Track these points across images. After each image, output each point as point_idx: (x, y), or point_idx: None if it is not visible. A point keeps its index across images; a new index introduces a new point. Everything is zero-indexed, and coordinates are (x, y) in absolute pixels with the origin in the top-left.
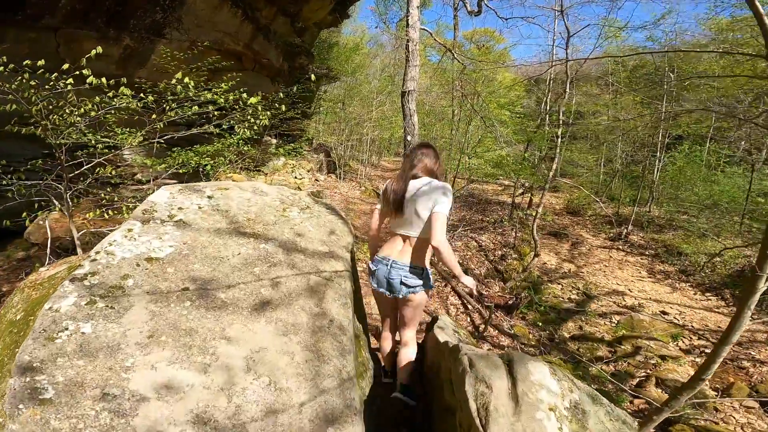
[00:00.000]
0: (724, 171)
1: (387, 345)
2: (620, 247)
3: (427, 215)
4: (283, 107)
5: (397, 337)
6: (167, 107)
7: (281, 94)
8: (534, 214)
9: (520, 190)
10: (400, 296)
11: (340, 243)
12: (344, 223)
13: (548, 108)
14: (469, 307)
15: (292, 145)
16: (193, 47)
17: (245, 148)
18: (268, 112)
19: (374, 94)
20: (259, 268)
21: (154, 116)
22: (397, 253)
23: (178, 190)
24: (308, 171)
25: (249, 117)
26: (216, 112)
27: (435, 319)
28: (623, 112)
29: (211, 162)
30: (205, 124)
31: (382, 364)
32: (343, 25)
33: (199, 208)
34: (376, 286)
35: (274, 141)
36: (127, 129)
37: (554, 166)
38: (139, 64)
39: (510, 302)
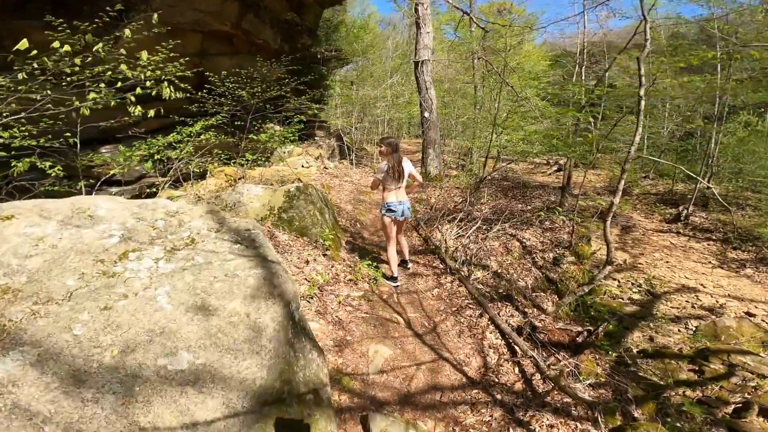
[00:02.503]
0: None
1: (395, 254)
2: (680, 230)
3: (409, 173)
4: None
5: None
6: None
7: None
8: (602, 204)
9: (554, 168)
10: (404, 217)
11: (276, 336)
12: (271, 273)
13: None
14: (518, 350)
15: (281, 129)
16: (169, 30)
17: (221, 137)
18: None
19: (388, 73)
20: None
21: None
22: (402, 196)
23: None
24: (316, 158)
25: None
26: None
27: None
28: (665, 83)
29: (179, 153)
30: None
31: (394, 271)
32: (349, 5)
33: None
34: (396, 216)
35: (277, 128)
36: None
37: (636, 138)
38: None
39: (577, 337)
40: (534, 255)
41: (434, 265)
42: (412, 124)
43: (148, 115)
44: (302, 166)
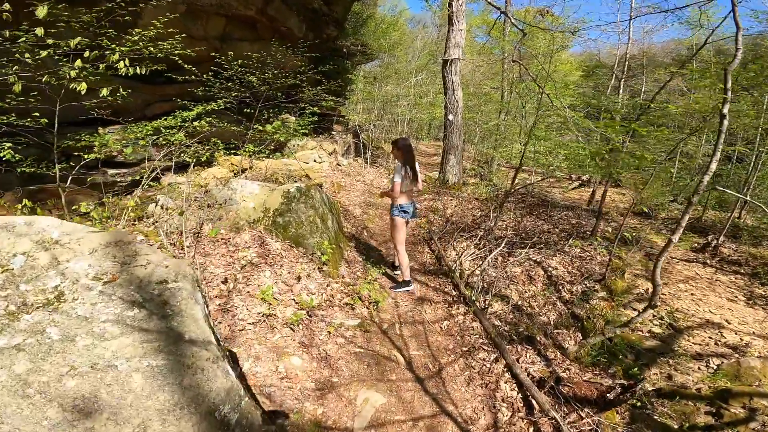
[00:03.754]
0: None
1: (406, 257)
2: (708, 261)
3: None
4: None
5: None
6: None
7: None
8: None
9: (575, 184)
10: (413, 219)
11: None
12: (183, 365)
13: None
14: (536, 405)
15: (294, 121)
16: (192, 12)
17: (224, 125)
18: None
19: (413, 71)
20: None
21: None
22: (412, 197)
23: None
24: (330, 154)
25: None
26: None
27: None
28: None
29: (169, 137)
30: None
31: (406, 275)
32: (380, 0)
33: None
34: (408, 218)
35: (292, 119)
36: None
37: (713, 165)
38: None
39: (608, 393)
40: (560, 287)
41: (446, 290)
42: (433, 126)
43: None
44: (315, 161)
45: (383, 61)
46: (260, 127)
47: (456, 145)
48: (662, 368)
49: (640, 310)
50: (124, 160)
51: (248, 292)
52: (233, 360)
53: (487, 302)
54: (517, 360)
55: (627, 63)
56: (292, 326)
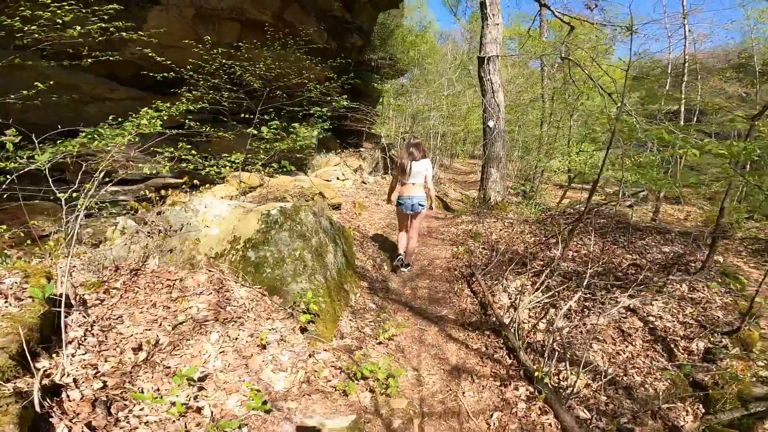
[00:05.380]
0: None
1: (403, 240)
2: None
3: (424, 174)
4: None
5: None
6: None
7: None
8: None
9: (629, 201)
10: (414, 212)
11: None
12: None
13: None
14: None
15: (307, 130)
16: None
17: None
18: None
19: (444, 83)
20: None
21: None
22: (414, 192)
23: None
24: (355, 170)
25: None
26: None
27: None
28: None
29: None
30: None
31: (400, 250)
32: (408, 12)
33: None
34: (402, 209)
35: (304, 129)
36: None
37: None
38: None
39: None
40: (670, 342)
41: (496, 355)
42: (468, 141)
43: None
44: (338, 178)
45: (413, 73)
46: (254, 132)
47: (498, 156)
48: None
49: None
50: (126, 176)
51: (168, 368)
52: None
53: (563, 377)
54: None
55: (686, 63)
56: None
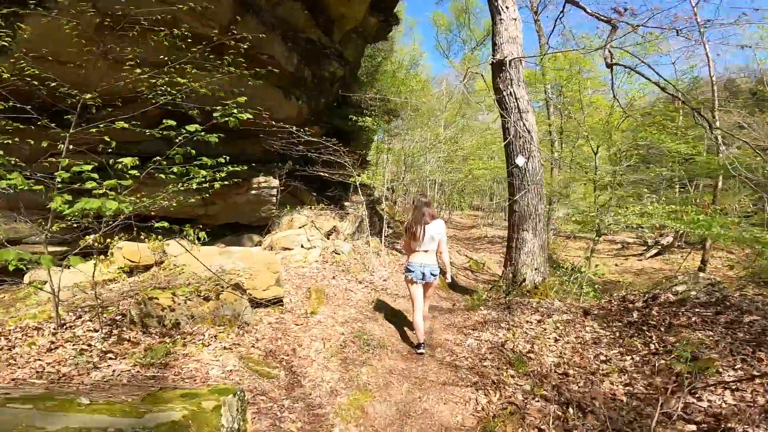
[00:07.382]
0: None
1: (420, 324)
2: None
3: (438, 239)
4: None
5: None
6: None
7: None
8: None
9: (653, 251)
10: (426, 281)
11: None
12: None
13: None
14: None
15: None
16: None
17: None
18: None
19: (440, 123)
20: None
21: None
22: (427, 259)
23: None
24: (328, 234)
25: None
26: None
27: None
28: None
29: None
30: None
31: (420, 338)
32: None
33: None
34: (412, 277)
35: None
36: None
37: None
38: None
39: None
40: None
41: None
42: (466, 191)
43: None
44: (302, 246)
45: (406, 114)
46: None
47: (533, 212)
48: None
49: None
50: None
51: None
52: None
53: None
54: None
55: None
56: None
